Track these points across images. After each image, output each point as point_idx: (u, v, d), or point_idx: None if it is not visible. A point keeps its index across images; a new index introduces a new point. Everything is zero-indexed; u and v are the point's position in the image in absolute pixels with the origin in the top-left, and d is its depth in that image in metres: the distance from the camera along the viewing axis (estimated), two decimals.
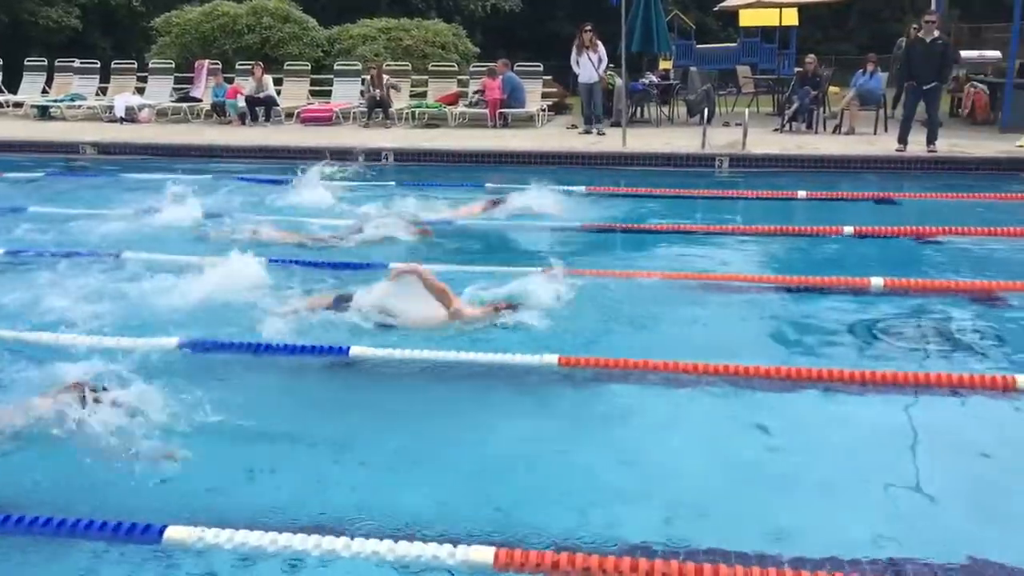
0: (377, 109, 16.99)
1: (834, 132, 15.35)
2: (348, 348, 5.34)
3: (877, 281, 6.75)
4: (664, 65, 21.13)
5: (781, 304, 6.52)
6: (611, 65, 15.74)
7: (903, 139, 12.83)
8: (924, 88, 12.55)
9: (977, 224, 8.72)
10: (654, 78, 18.35)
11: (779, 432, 4.47)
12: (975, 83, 17.46)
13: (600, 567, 3.17)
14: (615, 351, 5.33)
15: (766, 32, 23.74)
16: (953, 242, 8.36)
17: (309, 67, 19.74)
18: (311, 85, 19.42)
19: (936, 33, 12.52)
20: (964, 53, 20.50)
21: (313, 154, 13.31)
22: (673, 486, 3.95)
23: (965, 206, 9.99)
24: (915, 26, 12.98)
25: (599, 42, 15.13)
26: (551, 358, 5.16)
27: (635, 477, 4.03)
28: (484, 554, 3.24)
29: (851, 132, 15.11)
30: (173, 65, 19.95)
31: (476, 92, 17.31)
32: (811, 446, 4.38)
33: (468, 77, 18.65)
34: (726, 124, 16.37)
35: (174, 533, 3.39)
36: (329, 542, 3.32)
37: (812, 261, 7.84)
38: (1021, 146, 13.11)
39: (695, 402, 4.82)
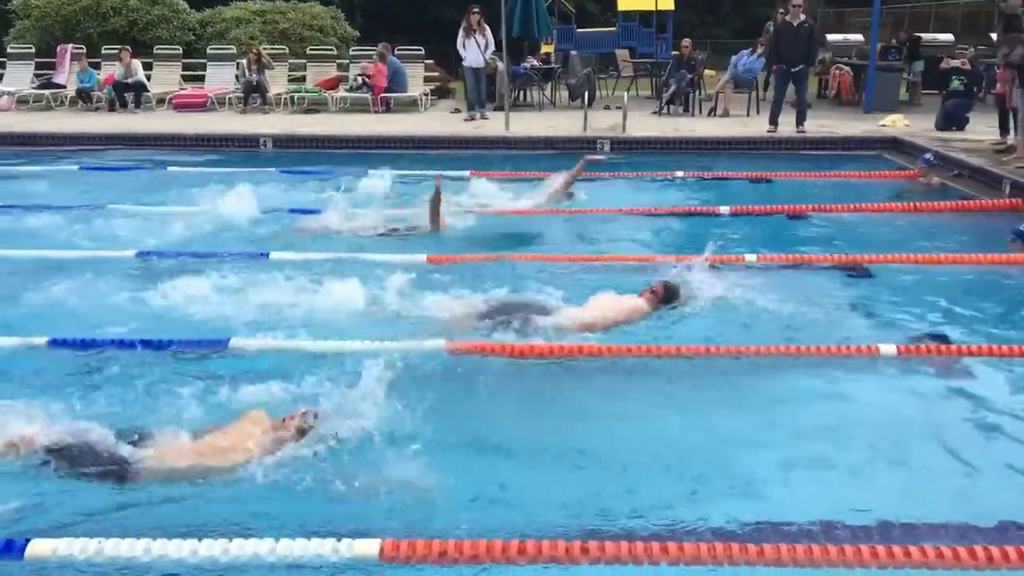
0: (254, 94, 16.51)
1: (709, 114, 15.78)
2: None
3: (751, 257, 6.98)
4: (546, 49, 21.26)
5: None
6: (495, 50, 15.73)
7: (774, 120, 13.30)
8: (792, 71, 13.03)
9: (845, 201, 9.10)
10: (535, 62, 18.44)
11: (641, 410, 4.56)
12: (840, 65, 18.23)
13: (487, 552, 3.16)
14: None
15: (644, 16, 24.15)
16: (822, 218, 8.70)
17: (180, 51, 19.01)
18: (183, 70, 18.73)
19: (802, 17, 12.99)
20: (830, 36, 21.41)
21: (183, 141, 12.86)
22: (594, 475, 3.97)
23: (834, 184, 10.40)
24: (782, 10, 13.43)
25: (486, 25, 15.07)
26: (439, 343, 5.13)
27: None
28: (370, 547, 3.19)
29: (726, 114, 15.56)
30: (33, 50, 18.89)
31: (359, 76, 17.02)
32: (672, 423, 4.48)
33: (348, 61, 18.31)
34: (607, 107, 16.60)
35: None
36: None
37: (691, 240, 8.00)
38: (884, 126, 13.77)
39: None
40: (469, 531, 3.34)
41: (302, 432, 3.82)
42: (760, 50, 16.10)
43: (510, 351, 5.08)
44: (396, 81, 16.65)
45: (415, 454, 3.83)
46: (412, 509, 3.52)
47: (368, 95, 16.55)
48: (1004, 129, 11.60)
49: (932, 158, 10.47)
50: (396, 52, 17.27)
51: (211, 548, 3.18)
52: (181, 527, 3.39)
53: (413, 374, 4.66)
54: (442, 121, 15.20)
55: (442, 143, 13.29)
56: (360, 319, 5.63)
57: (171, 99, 16.94)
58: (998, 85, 11.88)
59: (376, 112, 16.30)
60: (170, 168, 11.35)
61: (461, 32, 15.07)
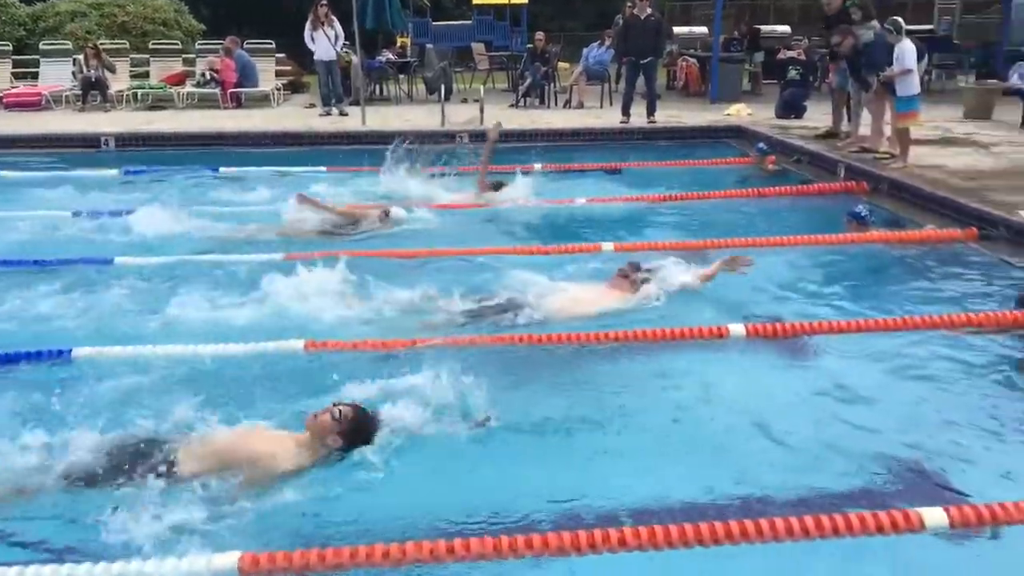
0: (93, 91, 15.68)
1: (565, 106, 16.04)
2: None
3: (608, 246, 7.14)
4: (401, 42, 21.08)
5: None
6: (347, 43, 15.46)
7: (626, 111, 13.63)
8: (641, 63, 13.38)
9: (696, 188, 9.43)
10: (391, 56, 18.25)
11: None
12: (687, 57, 18.86)
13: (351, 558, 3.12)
14: None
15: (498, 10, 24.28)
16: (675, 205, 8.99)
17: (11, 47, 17.86)
18: (14, 67, 17.60)
19: (649, 10, 13.36)
20: (676, 29, 22.10)
21: (16, 143, 12.10)
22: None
23: (684, 172, 10.76)
24: (629, 3, 13.77)
25: (334, 18, 14.78)
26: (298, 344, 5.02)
27: None
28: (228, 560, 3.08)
29: (580, 106, 15.86)
30: None
31: (206, 71, 16.41)
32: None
33: (195, 56, 17.63)
34: (464, 101, 16.62)
35: None
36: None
37: (550, 230, 8.11)
38: (729, 115, 14.34)
39: None
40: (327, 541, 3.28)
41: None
42: (607, 43, 16.46)
43: (372, 346, 5.04)
44: (245, 76, 16.16)
45: None
46: (268, 520, 3.43)
47: (217, 91, 15.99)
48: (839, 117, 12.27)
49: (765, 146, 11.00)
50: (245, 46, 16.74)
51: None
52: None
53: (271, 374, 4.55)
54: (296, 116, 14.86)
55: (297, 139, 12.98)
56: (221, 321, 5.45)
57: (2, 98, 15.89)
58: (831, 75, 12.56)
59: (226, 108, 15.77)
60: (1, 172, 10.63)
61: (309, 25, 14.73)
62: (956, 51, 18.94)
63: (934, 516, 3.40)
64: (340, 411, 3.85)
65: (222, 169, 10.60)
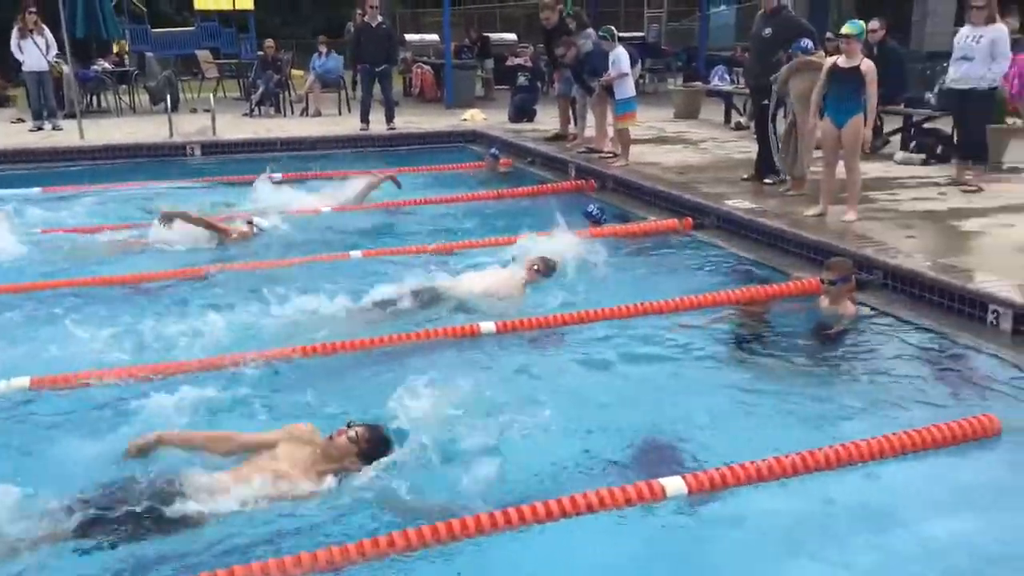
0: None
1: (302, 115, 15.77)
2: None
3: (356, 253, 7.13)
4: (118, 50, 19.74)
5: (270, 284, 6.52)
6: (59, 52, 14.24)
7: (365, 118, 13.64)
8: (376, 70, 13.43)
9: (440, 191, 9.63)
10: (107, 64, 17.06)
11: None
12: (421, 64, 19.16)
13: None
14: None
15: (224, 16, 23.38)
16: (419, 210, 9.11)
17: None
18: None
19: (380, 18, 13.45)
20: (408, 36, 22.38)
21: None
22: None
23: (426, 177, 10.93)
24: (359, 11, 13.79)
25: (44, 26, 13.56)
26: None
27: None
28: None
29: (318, 114, 15.66)
30: None
31: None
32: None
33: None
34: (193, 110, 15.89)
35: None
36: None
37: (296, 241, 7.93)
38: (465, 120, 14.74)
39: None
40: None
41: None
42: (325, 51, 16.34)
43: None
44: None
45: None
46: None
47: None
48: (566, 121, 12.98)
49: (496, 150, 11.43)
50: None
51: None
52: None
53: None
54: (3, 133, 13.50)
55: (4, 157, 11.80)
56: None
57: None
58: (556, 84, 13.24)
59: None
60: None
61: (16, 33, 13.43)
62: (664, 56, 20.63)
63: (674, 484, 3.72)
64: (356, 432, 3.81)
65: None
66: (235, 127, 13.79)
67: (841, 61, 7.25)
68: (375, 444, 3.85)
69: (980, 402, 4.52)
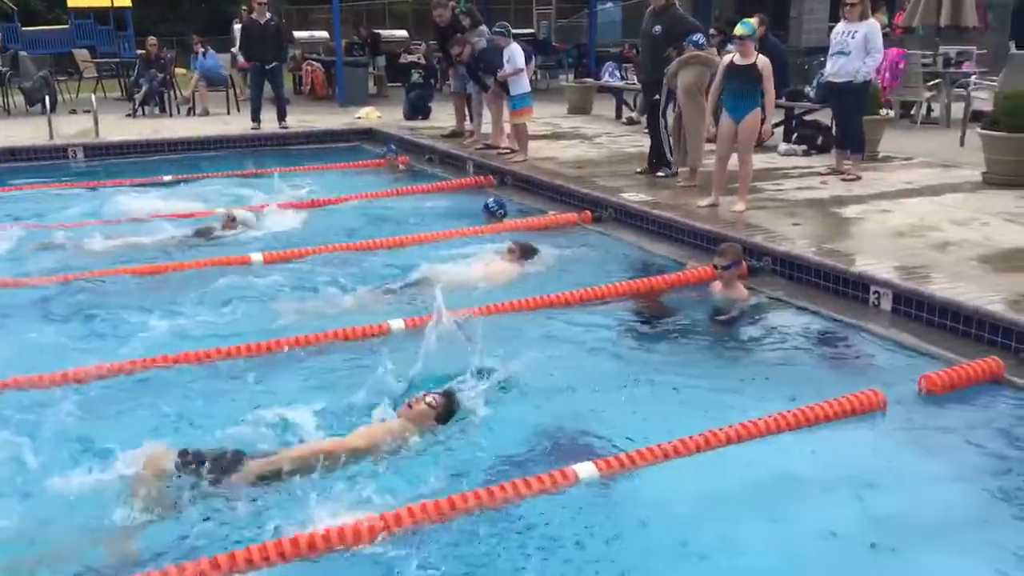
0: None
1: (189, 114, 15.34)
2: None
3: (257, 257, 7.02)
4: None
5: (168, 288, 6.39)
6: None
7: (255, 117, 13.38)
8: (266, 68, 13.19)
9: (337, 191, 9.53)
10: None
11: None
12: (312, 62, 18.88)
13: None
14: None
15: (100, 14, 22.50)
16: (323, 210, 8.99)
17: None
18: None
19: (268, 15, 13.21)
20: (297, 33, 22.00)
21: None
22: None
23: (324, 176, 10.79)
24: (246, 8, 13.50)
25: None
26: None
27: None
28: None
29: (205, 113, 15.27)
30: None
31: None
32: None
33: None
34: (73, 111, 15.28)
35: None
36: None
37: (191, 244, 7.75)
38: (359, 118, 14.61)
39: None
40: None
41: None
42: (201, 49, 15.96)
43: None
44: None
45: None
46: None
47: None
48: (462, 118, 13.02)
49: (394, 147, 11.42)
50: None
51: None
52: None
53: None
54: None
55: None
56: None
57: None
58: (450, 80, 13.26)
59: None
60: None
61: None
62: (555, 53, 20.91)
63: (586, 469, 3.83)
64: (435, 399, 4.26)
65: None
66: (119, 128, 13.31)
67: (737, 59, 7.52)
68: (450, 407, 4.32)
69: (866, 378, 4.78)
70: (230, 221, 7.93)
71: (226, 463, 3.67)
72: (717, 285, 6.05)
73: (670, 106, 9.15)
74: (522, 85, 10.40)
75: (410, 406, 4.26)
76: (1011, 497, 3.71)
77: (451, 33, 11.51)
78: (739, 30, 7.53)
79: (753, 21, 7.75)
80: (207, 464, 3.64)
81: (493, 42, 10.74)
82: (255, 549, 3.24)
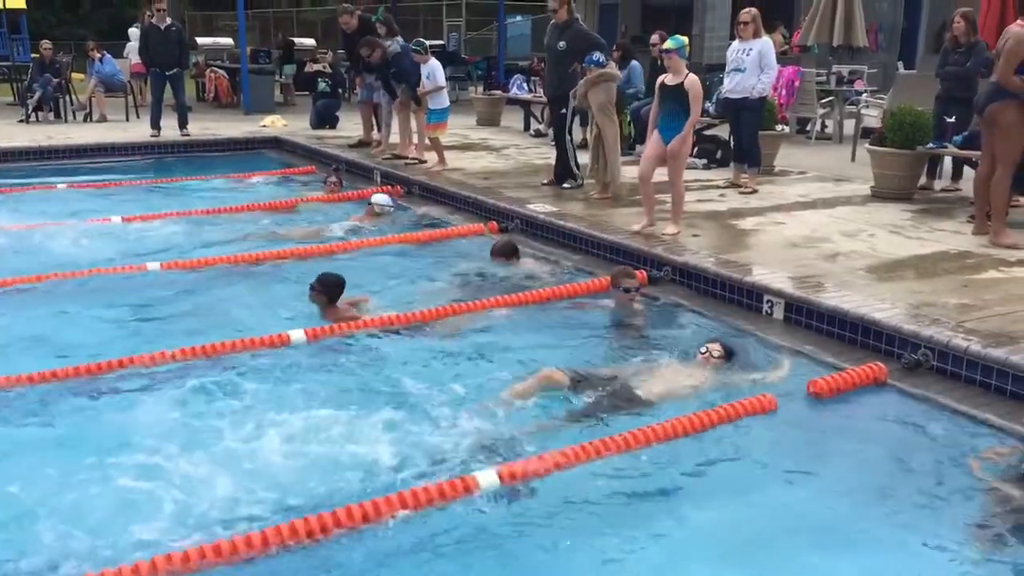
0: None
1: (85, 120, 14.87)
2: None
3: (154, 265, 6.85)
4: None
5: (68, 297, 6.19)
6: None
7: (155, 124, 13.06)
8: (167, 74, 12.88)
9: (237, 202, 9.38)
10: None
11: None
12: (215, 68, 18.51)
13: None
14: None
15: None
16: (220, 219, 8.83)
17: None
18: None
19: (169, 20, 12.93)
20: (200, 40, 21.54)
21: None
22: None
23: (224, 185, 10.60)
24: (148, 12, 13.17)
25: None
26: None
27: None
28: None
29: (103, 119, 14.84)
30: None
31: None
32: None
33: None
34: None
35: None
36: None
37: (86, 252, 7.49)
38: (265, 126, 14.39)
39: None
40: None
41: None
42: (99, 56, 15.51)
43: None
44: None
45: None
46: None
47: None
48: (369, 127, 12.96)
49: (340, 168, 10.86)
50: None
51: None
52: None
53: None
54: None
55: None
56: None
57: None
58: (358, 89, 13.19)
59: None
60: None
61: None
62: (464, 64, 20.99)
63: (487, 477, 3.85)
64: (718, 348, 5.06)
65: None
66: (10, 134, 12.82)
67: (668, 79, 7.25)
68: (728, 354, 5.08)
69: (759, 382, 4.94)
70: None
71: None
72: (618, 299, 6.09)
73: (575, 120, 9.30)
74: (442, 100, 10.49)
75: (708, 356, 5.03)
76: (888, 494, 3.88)
77: (358, 39, 11.42)
78: (667, 44, 7.25)
79: (648, 36, 7.45)
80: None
81: (407, 49, 10.69)
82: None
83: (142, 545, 3.37)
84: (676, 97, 7.21)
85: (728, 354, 5.15)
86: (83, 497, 3.68)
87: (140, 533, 3.44)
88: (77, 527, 3.46)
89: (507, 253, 7.10)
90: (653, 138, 7.43)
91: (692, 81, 7.16)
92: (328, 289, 5.81)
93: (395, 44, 11.06)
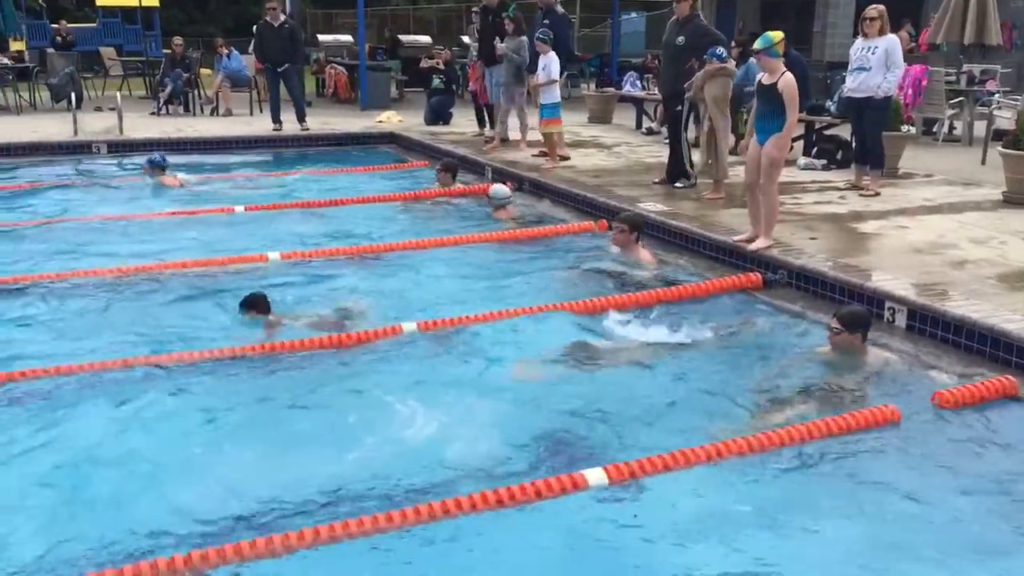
0: None
1: (212, 114, 15.48)
2: None
3: (274, 255, 7.08)
4: (16, 47, 19.04)
5: (200, 289, 6.45)
6: None
7: (275, 118, 13.48)
8: (278, 70, 13.26)
9: (356, 193, 9.60)
10: (6, 61, 16.43)
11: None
12: (335, 65, 18.99)
13: None
14: None
15: (127, 13, 22.78)
16: (337, 211, 9.05)
17: None
18: None
19: (282, 17, 13.31)
20: (321, 37, 22.14)
21: None
22: None
23: (344, 178, 10.88)
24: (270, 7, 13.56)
25: None
26: None
27: None
28: None
29: (228, 113, 15.40)
30: None
31: None
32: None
33: None
34: (98, 108, 15.44)
35: None
36: None
37: (209, 242, 7.82)
38: (381, 121, 14.68)
39: None
40: None
41: None
42: (226, 51, 16.09)
43: None
44: None
45: None
46: None
47: None
48: (481, 122, 13.08)
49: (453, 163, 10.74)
50: None
51: None
52: None
53: None
54: None
55: None
56: None
57: None
58: (471, 83, 13.33)
59: None
60: None
61: None
62: (578, 62, 20.92)
63: (595, 476, 3.84)
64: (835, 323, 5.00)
65: None
66: (143, 126, 13.47)
67: (764, 78, 6.65)
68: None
69: (881, 393, 4.77)
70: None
71: None
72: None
73: (691, 117, 9.16)
74: (553, 95, 10.45)
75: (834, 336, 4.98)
76: (1016, 512, 3.70)
77: (497, 15, 11.41)
78: (756, 44, 6.73)
79: (773, 34, 6.60)
80: None
81: (564, 17, 10.66)
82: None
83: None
84: (770, 98, 6.56)
85: (849, 324, 5.03)
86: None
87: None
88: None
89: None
90: (752, 143, 6.80)
91: (787, 81, 6.44)
92: None
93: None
